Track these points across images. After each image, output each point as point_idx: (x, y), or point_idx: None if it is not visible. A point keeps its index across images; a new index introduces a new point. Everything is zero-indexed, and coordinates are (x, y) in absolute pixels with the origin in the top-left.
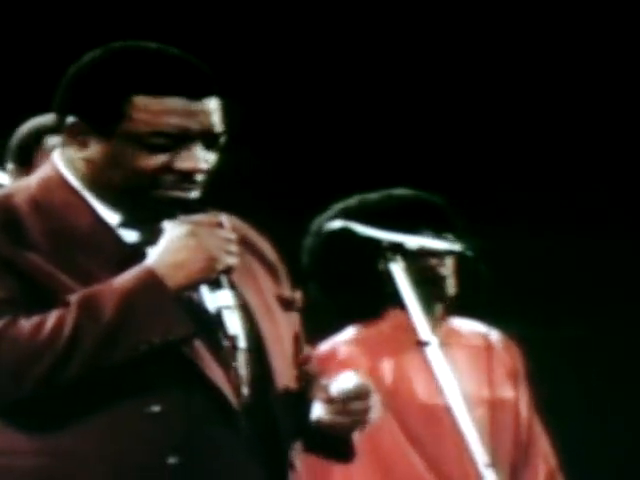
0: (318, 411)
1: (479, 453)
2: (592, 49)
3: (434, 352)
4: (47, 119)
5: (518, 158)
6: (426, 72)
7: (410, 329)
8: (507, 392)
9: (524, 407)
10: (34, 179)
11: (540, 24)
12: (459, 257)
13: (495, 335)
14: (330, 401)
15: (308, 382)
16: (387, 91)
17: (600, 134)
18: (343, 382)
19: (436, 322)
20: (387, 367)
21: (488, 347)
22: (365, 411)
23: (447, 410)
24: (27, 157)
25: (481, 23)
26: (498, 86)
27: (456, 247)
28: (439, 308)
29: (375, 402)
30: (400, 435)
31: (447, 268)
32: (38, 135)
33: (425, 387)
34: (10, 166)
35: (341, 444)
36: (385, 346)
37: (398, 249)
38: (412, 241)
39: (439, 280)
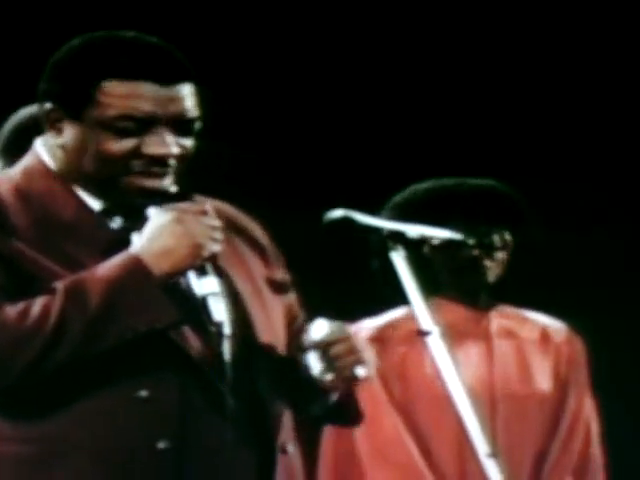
0: (308, 367)
1: (480, 443)
2: (595, 53)
3: (435, 342)
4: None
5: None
6: (420, 65)
7: (439, 317)
8: (544, 386)
9: (572, 402)
10: (18, 168)
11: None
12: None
13: (557, 327)
14: (310, 348)
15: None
16: (383, 87)
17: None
18: (317, 329)
19: (481, 312)
20: (397, 353)
21: (539, 339)
22: (348, 353)
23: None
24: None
25: (507, 21)
26: (498, 83)
27: (457, 236)
28: (484, 298)
29: (366, 356)
30: (399, 422)
31: (492, 258)
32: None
33: (434, 375)
34: None
35: (343, 406)
36: (403, 333)
37: (399, 238)
38: (413, 230)
39: (480, 269)
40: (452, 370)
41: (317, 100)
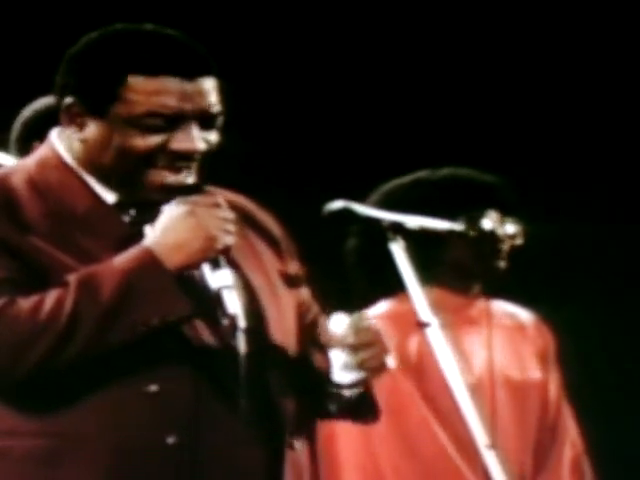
0: (331, 364)
1: (479, 434)
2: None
3: (435, 333)
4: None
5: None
6: (419, 58)
7: (437, 305)
8: (535, 373)
9: (553, 389)
10: (32, 159)
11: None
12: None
13: (526, 316)
14: (333, 342)
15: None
16: (377, 83)
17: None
18: (337, 324)
19: (469, 300)
20: (414, 342)
21: (519, 328)
22: (374, 343)
23: (471, 386)
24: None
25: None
26: (496, 79)
27: (458, 227)
28: (477, 286)
29: (385, 345)
30: (427, 412)
31: (505, 246)
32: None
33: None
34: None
35: (362, 401)
36: (413, 322)
37: (398, 229)
38: (412, 221)
39: (493, 257)
40: (452, 360)
41: (315, 94)
